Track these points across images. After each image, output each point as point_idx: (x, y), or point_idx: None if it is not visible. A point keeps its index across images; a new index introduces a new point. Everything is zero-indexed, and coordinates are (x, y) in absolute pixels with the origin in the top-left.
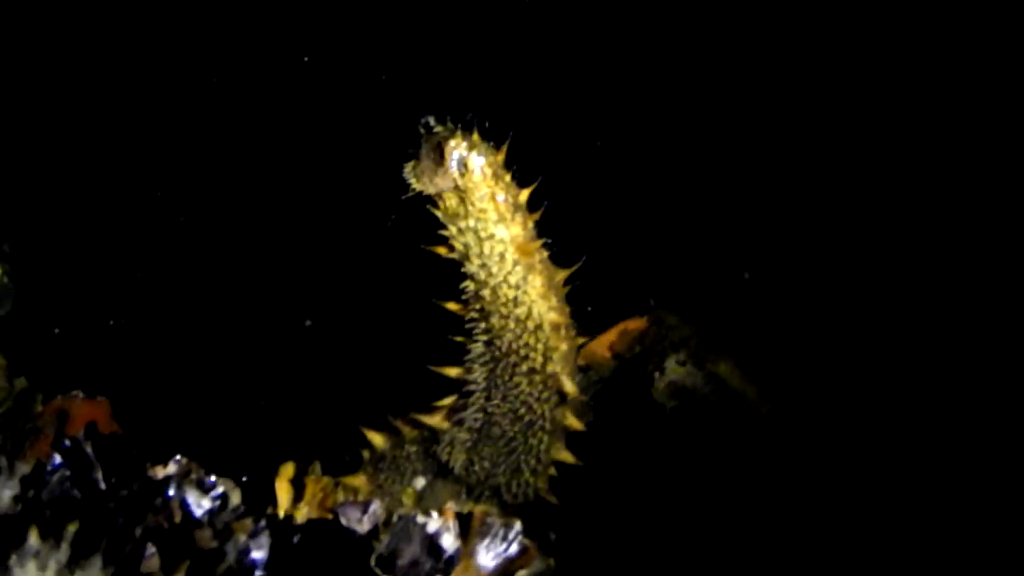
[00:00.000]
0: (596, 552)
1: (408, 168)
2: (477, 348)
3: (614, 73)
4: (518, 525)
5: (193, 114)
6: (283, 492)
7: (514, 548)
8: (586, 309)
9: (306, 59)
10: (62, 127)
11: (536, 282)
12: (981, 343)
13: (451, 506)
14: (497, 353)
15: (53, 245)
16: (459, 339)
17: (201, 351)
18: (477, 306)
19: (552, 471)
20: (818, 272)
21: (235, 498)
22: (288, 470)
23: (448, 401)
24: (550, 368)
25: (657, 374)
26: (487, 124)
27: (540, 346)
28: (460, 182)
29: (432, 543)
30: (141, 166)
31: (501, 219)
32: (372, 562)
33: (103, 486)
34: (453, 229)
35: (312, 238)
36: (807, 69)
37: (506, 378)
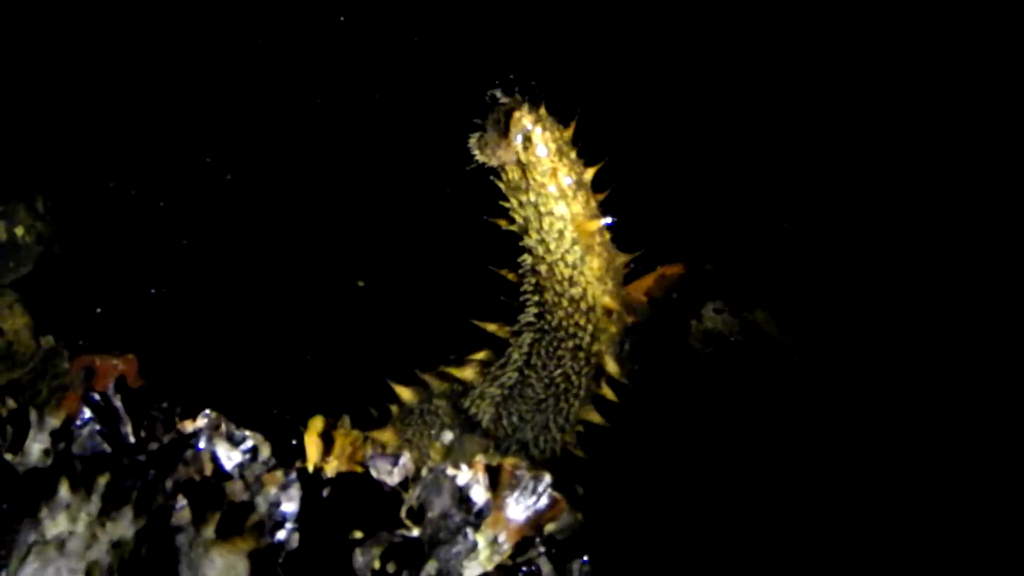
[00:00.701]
0: (624, 507)
1: (473, 139)
2: (526, 317)
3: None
4: (548, 478)
5: (243, 79)
6: (312, 446)
7: (544, 501)
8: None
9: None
10: (110, 92)
11: (594, 264)
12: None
13: (480, 459)
14: (546, 327)
15: (92, 206)
16: (506, 300)
17: (232, 310)
18: (532, 280)
19: (580, 428)
20: (856, 223)
21: (265, 451)
22: (317, 424)
23: (482, 355)
24: (596, 348)
25: (693, 321)
26: (555, 98)
27: (590, 327)
28: (523, 156)
29: (462, 495)
30: (189, 131)
31: (562, 196)
32: (403, 514)
33: (133, 439)
34: (514, 202)
35: (354, 204)
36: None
37: (551, 349)
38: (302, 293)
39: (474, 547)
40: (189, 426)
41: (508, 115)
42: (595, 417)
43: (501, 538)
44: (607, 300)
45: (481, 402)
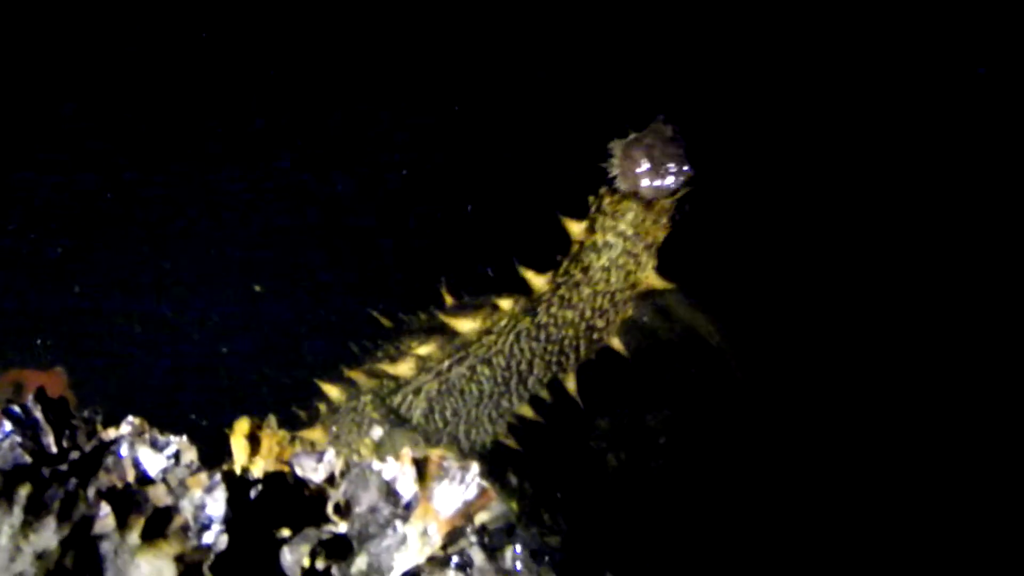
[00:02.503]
0: (560, 495)
1: (619, 149)
2: (523, 322)
3: None
4: (475, 467)
5: None
6: (239, 447)
7: (473, 491)
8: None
9: None
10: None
11: (628, 311)
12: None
13: (407, 451)
14: (539, 335)
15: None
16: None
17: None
18: (563, 293)
19: (511, 419)
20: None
21: (189, 455)
22: (244, 425)
23: (423, 350)
24: (568, 370)
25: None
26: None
27: (582, 351)
28: (658, 201)
29: (389, 489)
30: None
31: (654, 247)
32: (329, 510)
33: (54, 449)
34: (608, 222)
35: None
36: None
37: (528, 357)
38: (224, 296)
39: (404, 540)
40: (112, 433)
41: (675, 163)
42: (528, 412)
43: (431, 529)
44: (615, 342)
45: (415, 397)
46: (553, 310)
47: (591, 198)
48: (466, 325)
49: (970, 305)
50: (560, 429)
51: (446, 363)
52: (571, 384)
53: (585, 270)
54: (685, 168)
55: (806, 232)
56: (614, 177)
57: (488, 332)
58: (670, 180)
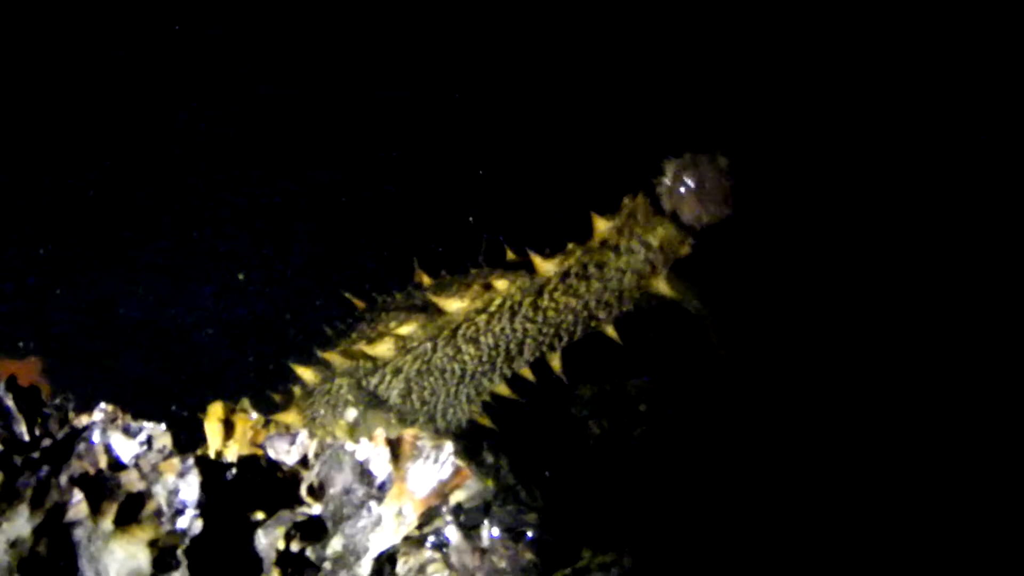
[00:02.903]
0: (536, 473)
1: (671, 169)
2: (525, 306)
3: None
4: (449, 446)
5: None
6: (212, 431)
7: (447, 470)
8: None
9: None
10: None
11: (617, 312)
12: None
13: (381, 432)
14: (535, 317)
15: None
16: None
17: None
18: (571, 281)
19: (487, 398)
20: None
21: (162, 440)
22: (217, 409)
23: (404, 330)
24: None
25: None
26: None
27: (577, 334)
28: (695, 227)
29: (363, 469)
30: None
31: (665, 262)
32: (303, 492)
33: (27, 437)
34: (635, 229)
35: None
36: None
37: (519, 338)
38: (200, 284)
39: (379, 520)
40: (84, 420)
41: (722, 192)
42: (504, 390)
43: (406, 509)
44: (610, 330)
45: (393, 378)
46: (557, 295)
47: (626, 200)
48: (453, 305)
49: (946, 296)
50: (539, 406)
51: (429, 343)
52: (556, 363)
53: (600, 266)
54: (729, 205)
55: (805, 237)
56: (660, 195)
57: (480, 311)
58: (712, 212)
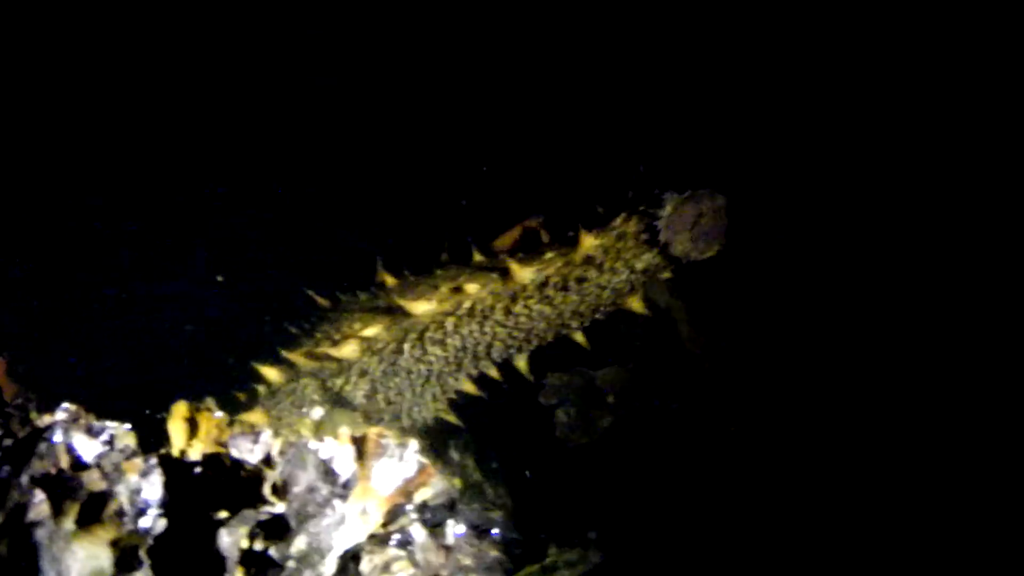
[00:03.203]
0: (502, 469)
1: (671, 204)
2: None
3: None
4: (414, 444)
5: None
6: (176, 430)
7: (412, 468)
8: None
9: None
10: None
11: (588, 322)
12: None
13: (345, 430)
14: (505, 326)
15: None
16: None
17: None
18: (548, 291)
19: (453, 395)
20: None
21: (125, 440)
22: (181, 409)
23: (369, 332)
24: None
25: None
26: None
27: (541, 340)
28: (682, 259)
29: (327, 468)
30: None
31: (644, 283)
32: (266, 491)
33: None
34: (623, 252)
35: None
36: None
37: (487, 338)
38: (171, 286)
39: (343, 519)
40: (46, 419)
41: (718, 230)
42: (470, 387)
43: (371, 508)
44: (579, 337)
45: (359, 379)
46: (531, 303)
47: (618, 220)
48: (421, 307)
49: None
50: (505, 402)
51: (394, 344)
52: (522, 363)
53: (580, 280)
54: (722, 242)
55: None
56: (656, 227)
57: (448, 314)
58: (703, 248)
